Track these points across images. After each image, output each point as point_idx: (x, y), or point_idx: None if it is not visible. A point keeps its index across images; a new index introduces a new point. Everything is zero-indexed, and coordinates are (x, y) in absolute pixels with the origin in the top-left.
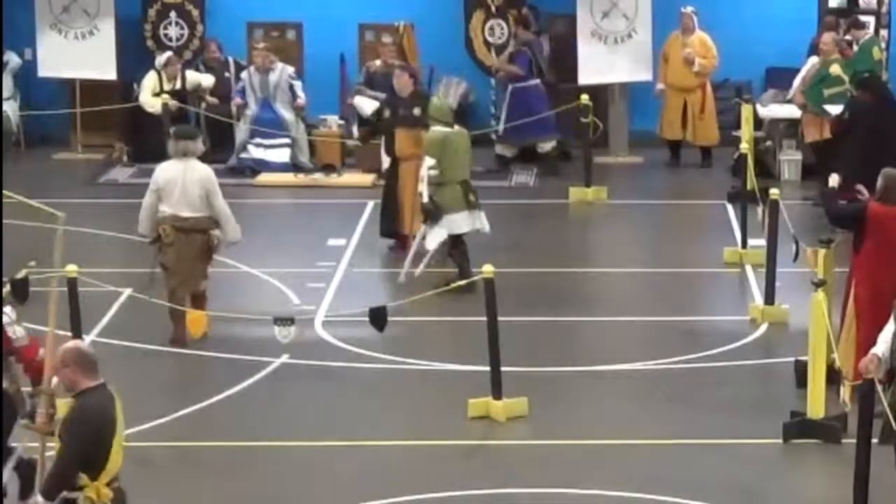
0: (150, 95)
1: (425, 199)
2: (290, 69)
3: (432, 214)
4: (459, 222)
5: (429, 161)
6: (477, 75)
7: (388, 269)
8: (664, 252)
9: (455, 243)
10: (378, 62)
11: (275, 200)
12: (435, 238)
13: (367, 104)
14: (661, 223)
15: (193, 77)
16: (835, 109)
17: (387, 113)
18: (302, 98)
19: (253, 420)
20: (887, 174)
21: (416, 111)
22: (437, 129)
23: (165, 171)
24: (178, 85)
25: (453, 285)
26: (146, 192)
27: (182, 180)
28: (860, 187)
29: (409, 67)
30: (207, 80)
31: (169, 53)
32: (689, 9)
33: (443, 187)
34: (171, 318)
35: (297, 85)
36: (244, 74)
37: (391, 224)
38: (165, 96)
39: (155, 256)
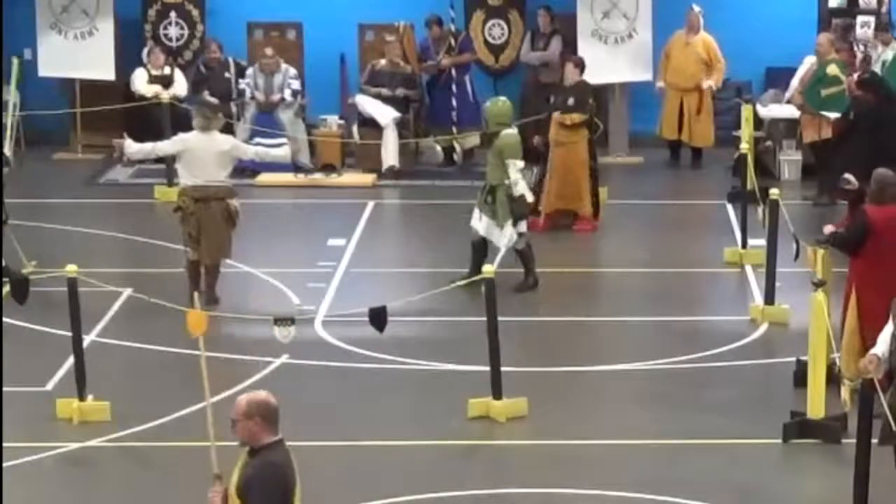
0: (143, 84)
1: (530, 198)
2: (293, 71)
3: (521, 215)
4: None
5: (519, 164)
6: (477, 75)
7: (388, 270)
8: (664, 252)
9: (484, 245)
10: (383, 61)
11: (275, 200)
12: (509, 237)
13: (369, 104)
14: (661, 223)
15: (179, 79)
16: (833, 113)
17: (551, 99)
18: (298, 95)
19: None
20: (878, 176)
21: (570, 101)
22: (512, 132)
23: (190, 137)
24: (167, 71)
25: (452, 285)
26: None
27: (202, 151)
28: (849, 177)
29: (574, 57)
30: (180, 87)
31: (151, 44)
32: (697, 8)
33: None
34: (189, 279)
35: (295, 84)
36: (249, 72)
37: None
38: (158, 88)
39: (182, 228)
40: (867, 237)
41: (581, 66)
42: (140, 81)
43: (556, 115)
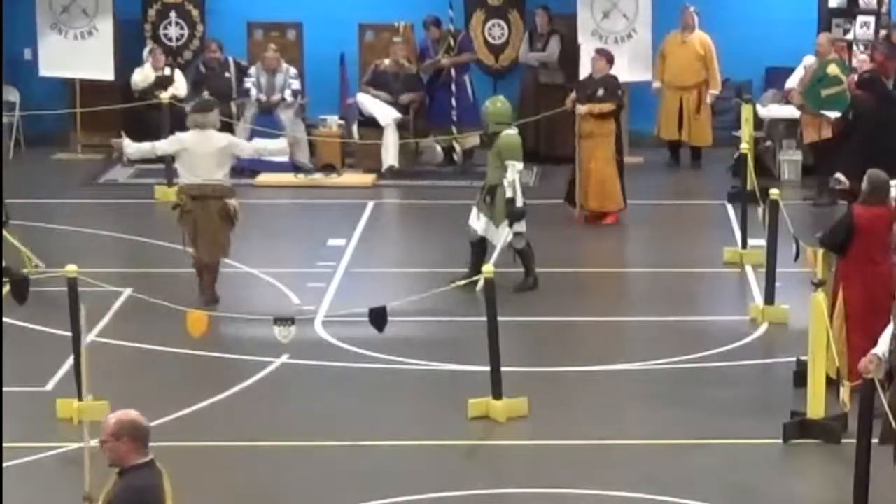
0: (144, 82)
1: (520, 202)
2: (294, 70)
3: (518, 217)
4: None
5: (519, 165)
6: (477, 75)
7: (388, 270)
8: (664, 252)
9: (483, 244)
10: (388, 61)
11: (275, 200)
12: (505, 237)
13: (371, 103)
14: (661, 223)
15: (179, 80)
16: (833, 112)
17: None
18: (298, 95)
19: (253, 420)
20: (872, 176)
21: (600, 93)
22: (512, 133)
23: (187, 137)
24: (167, 72)
25: (452, 285)
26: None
27: (199, 149)
28: (840, 176)
29: (605, 52)
30: (180, 87)
31: (152, 45)
32: (692, 7)
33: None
34: (199, 276)
35: (295, 84)
36: (252, 71)
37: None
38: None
39: (180, 225)
40: (853, 237)
41: (611, 60)
42: (141, 80)
43: (580, 106)
